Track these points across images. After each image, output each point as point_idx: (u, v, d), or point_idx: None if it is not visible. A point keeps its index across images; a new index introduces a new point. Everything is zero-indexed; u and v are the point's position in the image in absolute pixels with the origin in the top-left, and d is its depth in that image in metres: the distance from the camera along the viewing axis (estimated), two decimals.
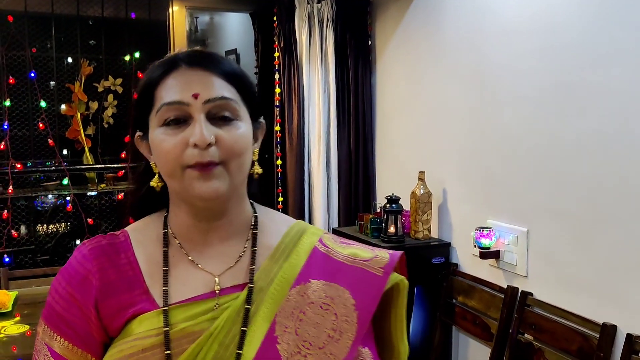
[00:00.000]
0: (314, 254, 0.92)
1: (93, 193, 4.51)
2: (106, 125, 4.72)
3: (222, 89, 0.86)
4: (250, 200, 0.97)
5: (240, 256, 0.91)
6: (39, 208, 4.39)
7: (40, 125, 4.52)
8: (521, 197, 2.40)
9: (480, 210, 2.63)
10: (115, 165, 4.56)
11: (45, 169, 4.53)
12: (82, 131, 4.60)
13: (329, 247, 0.94)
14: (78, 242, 4.39)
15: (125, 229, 0.97)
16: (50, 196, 4.42)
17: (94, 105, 4.66)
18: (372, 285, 0.89)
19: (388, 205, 2.87)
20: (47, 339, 0.88)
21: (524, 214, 2.38)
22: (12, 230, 4.19)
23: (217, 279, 0.88)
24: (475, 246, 2.55)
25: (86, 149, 4.64)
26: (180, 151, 0.83)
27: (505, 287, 2.45)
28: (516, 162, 2.41)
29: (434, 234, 2.96)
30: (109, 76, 4.72)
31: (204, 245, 0.91)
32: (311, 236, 0.95)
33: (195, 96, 0.84)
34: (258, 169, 0.95)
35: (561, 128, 2.19)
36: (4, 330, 2.16)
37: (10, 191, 4.12)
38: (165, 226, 0.93)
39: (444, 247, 2.87)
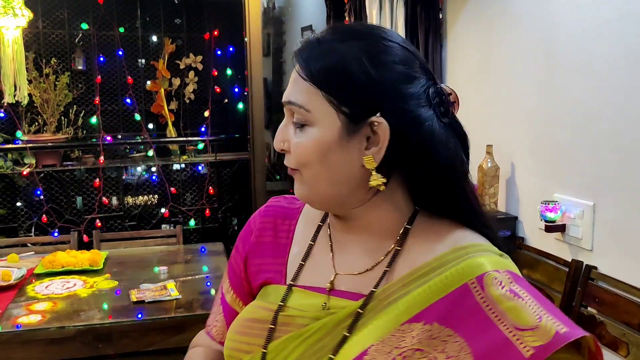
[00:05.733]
0: (459, 291, 0.71)
1: (177, 166, 4.78)
2: (187, 101, 4.97)
3: (296, 90, 0.78)
4: (417, 207, 0.82)
5: (368, 270, 0.80)
6: (127, 180, 4.71)
7: (128, 100, 4.82)
8: (588, 171, 2.37)
9: (547, 184, 2.62)
10: (197, 139, 4.82)
11: (133, 141, 4.84)
12: (165, 106, 4.87)
13: (485, 291, 0.70)
14: (163, 210, 4.69)
15: None
16: (138, 169, 4.73)
17: (177, 82, 4.92)
18: None
19: None
20: (225, 290, 0.97)
21: (591, 188, 2.36)
22: (104, 198, 4.54)
23: (334, 277, 0.81)
24: (541, 220, 2.56)
25: (169, 123, 4.91)
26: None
27: (570, 260, 2.45)
28: (585, 135, 2.38)
29: (501, 207, 2.97)
30: (190, 54, 4.95)
31: (349, 239, 0.84)
32: (471, 267, 0.72)
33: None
34: (374, 181, 0.76)
35: (632, 100, 2.15)
36: (96, 285, 2.40)
37: (101, 161, 4.45)
38: None
39: (511, 221, 2.88)
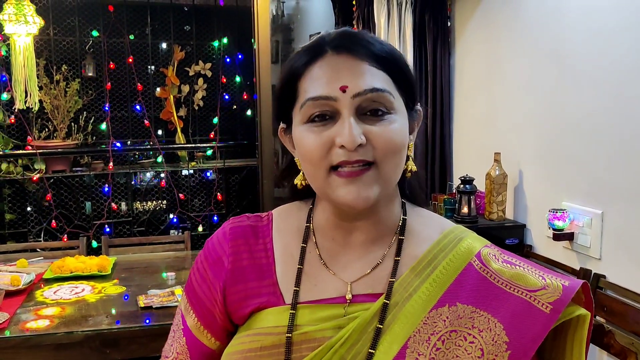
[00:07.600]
0: (467, 271, 0.77)
1: (186, 172, 4.81)
2: (196, 107, 5.00)
3: (374, 78, 0.74)
4: (403, 200, 0.86)
5: (378, 263, 0.80)
6: (137, 186, 4.74)
7: (137, 107, 4.85)
8: (597, 179, 2.37)
9: (555, 192, 2.61)
10: (206, 145, 4.84)
11: (142, 147, 4.87)
12: (174, 113, 4.90)
13: (488, 266, 0.77)
14: (171, 215, 4.70)
15: (272, 211, 0.91)
16: (147, 175, 4.76)
17: (186, 89, 4.95)
18: (534, 323, 0.71)
19: (462, 185, 2.90)
20: (184, 310, 0.88)
21: (599, 196, 2.35)
22: (113, 204, 4.56)
23: (349, 286, 0.79)
24: (549, 228, 2.55)
25: (178, 130, 4.94)
26: (325, 151, 0.73)
27: (578, 269, 2.44)
28: (593, 143, 2.38)
29: (509, 215, 2.96)
30: (199, 61, 4.98)
31: (344, 246, 0.82)
32: (467, 249, 0.80)
33: (343, 89, 0.72)
34: (412, 166, 0.82)
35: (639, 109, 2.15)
36: (104, 290, 2.41)
37: (110, 167, 4.47)
38: (309, 219, 0.86)
39: (519, 229, 2.87)
